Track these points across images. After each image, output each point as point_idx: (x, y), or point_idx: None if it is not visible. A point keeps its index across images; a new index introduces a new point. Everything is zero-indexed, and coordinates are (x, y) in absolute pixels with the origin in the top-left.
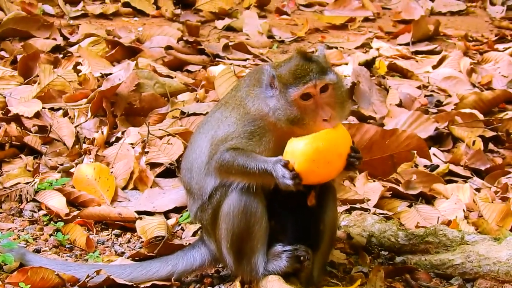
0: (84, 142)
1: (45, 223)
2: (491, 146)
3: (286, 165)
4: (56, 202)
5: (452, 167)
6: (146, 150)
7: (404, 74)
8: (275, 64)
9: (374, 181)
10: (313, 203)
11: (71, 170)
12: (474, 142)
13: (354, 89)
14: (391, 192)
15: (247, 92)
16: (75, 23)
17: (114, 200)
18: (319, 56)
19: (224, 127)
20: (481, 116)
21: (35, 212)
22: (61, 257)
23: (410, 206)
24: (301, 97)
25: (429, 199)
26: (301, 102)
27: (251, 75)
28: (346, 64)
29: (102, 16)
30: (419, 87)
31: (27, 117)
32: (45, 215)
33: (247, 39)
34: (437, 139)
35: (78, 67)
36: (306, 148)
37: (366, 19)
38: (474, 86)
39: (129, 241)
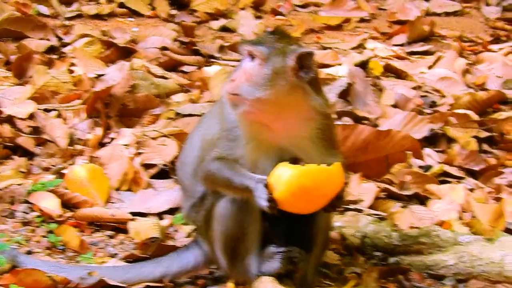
0: (78, 143)
1: (37, 224)
2: (485, 146)
3: (266, 186)
4: (49, 203)
5: (446, 167)
6: (140, 151)
7: (399, 74)
8: None
9: (368, 181)
10: None
11: (64, 171)
12: (468, 143)
13: (349, 90)
14: (385, 193)
15: None
16: (69, 23)
17: (108, 201)
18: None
19: (211, 127)
20: (475, 117)
21: (28, 213)
22: (54, 258)
23: (404, 207)
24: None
25: (423, 200)
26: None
27: None
28: (341, 65)
29: (97, 16)
30: (414, 88)
31: (20, 118)
32: (37, 216)
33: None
34: (432, 140)
35: (72, 68)
36: (291, 179)
37: (361, 20)
38: (468, 86)
39: (122, 243)
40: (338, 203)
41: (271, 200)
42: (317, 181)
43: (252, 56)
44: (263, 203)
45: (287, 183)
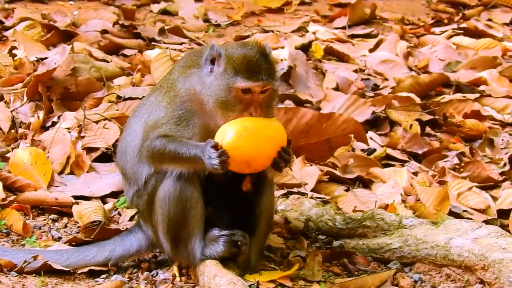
0: (20, 127)
1: None
2: (428, 129)
3: (214, 146)
4: None
5: (389, 151)
6: (82, 134)
7: (341, 57)
8: (221, 44)
9: (311, 165)
10: (248, 188)
11: (7, 155)
12: (411, 126)
13: (291, 73)
14: (328, 176)
15: (179, 73)
16: (10, 7)
17: (51, 185)
18: (271, 56)
19: (155, 112)
20: (418, 100)
21: None
22: None
23: (347, 190)
24: (243, 90)
25: (366, 183)
26: (239, 92)
27: (187, 56)
28: (283, 48)
29: (38, 0)
30: (355, 71)
31: None
32: None
33: (183, 23)
34: (374, 123)
35: (14, 51)
36: (235, 125)
37: (302, 3)
38: (411, 69)
39: (66, 226)
40: (286, 156)
41: (221, 154)
42: (258, 123)
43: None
44: (214, 161)
45: (232, 129)
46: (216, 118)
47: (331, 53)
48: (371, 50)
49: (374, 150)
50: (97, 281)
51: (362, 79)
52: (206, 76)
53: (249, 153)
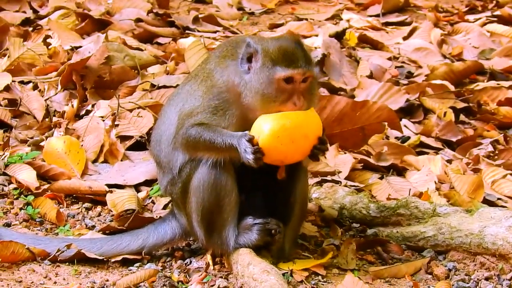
0: (54, 115)
1: (15, 196)
2: (462, 117)
3: (250, 140)
4: (26, 175)
5: (423, 138)
6: (116, 123)
7: (375, 45)
8: (256, 39)
9: (345, 153)
10: (283, 177)
11: (41, 144)
12: (445, 114)
13: (325, 61)
14: (362, 164)
15: (216, 64)
16: None
17: (85, 173)
18: (305, 46)
19: (191, 100)
20: (452, 87)
21: (5, 186)
22: (32, 231)
23: (381, 178)
24: (285, 79)
25: (400, 171)
26: (281, 83)
27: (223, 47)
28: (317, 35)
29: None
30: (389, 59)
31: None
32: (15, 188)
33: (217, 11)
34: (408, 111)
35: (48, 40)
36: (272, 124)
37: None
38: (445, 57)
39: (99, 215)
40: (323, 147)
41: (256, 151)
42: (297, 120)
43: (305, 78)
44: (249, 156)
45: (269, 128)
46: (254, 110)
47: (365, 41)
48: (405, 38)
49: (408, 137)
50: (130, 270)
51: (396, 67)
52: (244, 73)
53: (285, 153)
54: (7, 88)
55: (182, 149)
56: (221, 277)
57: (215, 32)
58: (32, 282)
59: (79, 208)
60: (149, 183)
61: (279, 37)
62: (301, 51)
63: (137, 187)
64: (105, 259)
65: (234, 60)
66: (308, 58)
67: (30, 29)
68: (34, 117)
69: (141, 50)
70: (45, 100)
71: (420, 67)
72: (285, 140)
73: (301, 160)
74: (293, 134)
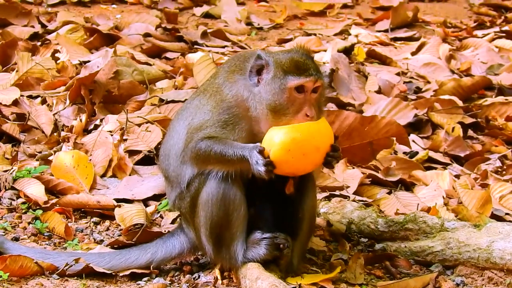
0: (63, 130)
1: (23, 211)
2: (470, 132)
3: (261, 151)
4: (35, 190)
5: (432, 153)
6: (124, 137)
7: (383, 60)
8: (265, 52)
9: (353, 168)
10: (291, 192)
11: (50, 158)
12: (453, 129)
13: (333, 76)
14: (370, 179)
15: (225, 78)
16: (53, 10)
17: (93, 187)
18: (314, 58)
19: (200, 115)
20: (460, 103)
21: (14, 200)
22: (40, 245)
23: (389, 193)
24: (296, 88)
25: (408, 186)
26: (293, 92)
27: (231, 61)
28: (325, 51)
29: (80, 3)
30: (398, 74)
31: (5, 105)
32: (23, 203)
33: (225, 26)
34: (416, 126)
35: (56, 55)
36: (284, 137)
37: (344, 6)
38: (453, 72)
39: (108, 229)
40: (336, 154)
41: (268, 163)
42: (308, 133)
43: (316, 88)
44: (260, 168)
45: (280, 141)
46: (263, 123)
47: (373, 56)
48: (413, 53)
49: (417, 153)
50: (139, 284)
51: (404, 82)
52: (253, 86)
53: (296, 165)
54: (16, 103)
55: (191, 162)
56: None
57: (223, 47)
58: None
59: (87, 223)
60: (157, 197)
61: (289, 50)
62: (311, 61)
63: (145, 202)
64: (113, 274)
65: (243, 74)
66: (318, 68)
67: (39, 43)
68: (43, 132)
69: (150, 65)
70: (54, 114)
71: (428, 82)
72: (296, 153)
73: (311, 174)
74: (304, 147)
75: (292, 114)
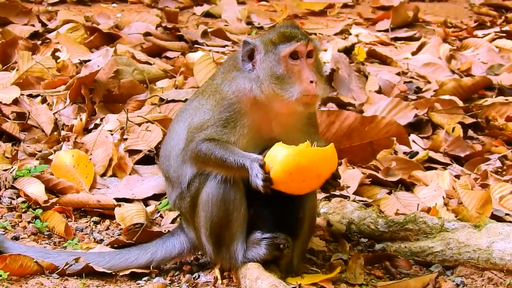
0: (63, 129)
1: (23, 210)
2: (470, 132)
3: (262, 166)
4: (35, 189)
5: (432, 154)
6: (124, 137)
7: (383, 60)
8: (253, 36)
9: (353, 168)
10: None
11: (50, 157)
12: (453, 129)
13: (333, 76)
14: (370, 179)
15: (223, 78)
16: (53, 9)
17: (93, 187)
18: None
19: (200, 114)
20: (460, 103)
21: (14, 199)
22: (40, 244)
23: (389, 193)
24: (290, 55)
25: (408, 186)
26: (289, 61)
27: (226, 62)
28: (325, 50)
29: (81, 2)
30: (398, 74)
31: (5, 104)
32: (23, 202)
33: (225, 25)
34: (417, 126)
35: (57, 54)
36: (287, 159)
37: (345, 6)
38: (453, 72)
39: (108, 228)
40: (335, 183)
41: (266, 179)
42: (312, 160)
43: (309, 52)
44: (259, 182)
45: (283, 162)
46: (276, 104)
47: (373, 56)
48: (413, 53)
49: (417, 153)
50: (138, 284)
51: (404, 82)
52: (250, 73)
53: (294, 188)
54: (16, 102)
55: (191, 162)
56: None
57: (224, 46)
58: None
59: (87, 222)
60: (157, 197)
61: (273, 26)
62: (297, 29)
63: (145, 201)
64: (113, 273)
65: (239, 70)
66: (306, 34)
67: (39, 42)
68: (43, 131)
69: (150, 64)
70: (54, 113)
71: (428, 82)
72: (296, 178)
73: None
74: (306, 174)
75: (296, 84)
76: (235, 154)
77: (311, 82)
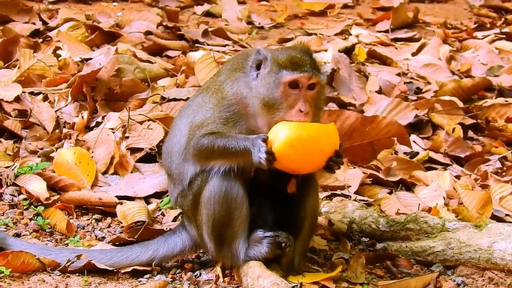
0: (64, 127)
1: (25, 207)
2: (470, 133)
3: (264, 140)
4: (36, 186)
5: (432, 154)
6: (126, 135)
7: (384, 61)
8: (266, 48)
9: (354, 167)
10: (293, 191)
11: (51, 155)
12: (453, 130)
13: (334, 76)
14: (371, 179)
15: (227, 76)
16: (54, 7)
17: (95, 184)
18: (315, 56)
19: (202, 112)
20: (460, 104)
21: (15, 196)
22: (42, 241)
23: (390, 193)
24: (290, 83)
25: (409, 186)
26: (287, 88)
27: (234, 60)
28: (326, 50)
29: (81, 0)
30: (398, 74)
31: (7, 101)
32: (25, 199)
33: (226, 25)
34: (417, 126)
35: (58, 52)
36: (289, 132)
37: (345, 6)
38: (453, 73)
39: (109, 226)
40: (338, 160)
41: (269, 153)
42: (314, 133)
43: (311, 85)
44: (262, 155)
45: (285, 135)
46: (259, 119)
47: (374, 56)
48: (413, 54)
49: (417, 153)
50: (140, 281)
51: (405, 83)
52: (252, 80)
53: (297, 163)
54: (18, 99)
55: (193, 159)
56: None
57: (224, 45)
58: None
59: (89, 219)
60: (159, 195)
61: (289, 46)
62: (309, 58)
63: (147, 199)
64: (115, 270)
65: (244, 72)
66: (316, 66)
67: (40, 40)
68: (44, 128)
69: (151, 62)
70: (55, 111)
71: (428, 83)
72: (299, 151)
73: (313, 173)
74: (308, 146)
75: (285, 110)
76: (237, 139)
77: (301, 111)
